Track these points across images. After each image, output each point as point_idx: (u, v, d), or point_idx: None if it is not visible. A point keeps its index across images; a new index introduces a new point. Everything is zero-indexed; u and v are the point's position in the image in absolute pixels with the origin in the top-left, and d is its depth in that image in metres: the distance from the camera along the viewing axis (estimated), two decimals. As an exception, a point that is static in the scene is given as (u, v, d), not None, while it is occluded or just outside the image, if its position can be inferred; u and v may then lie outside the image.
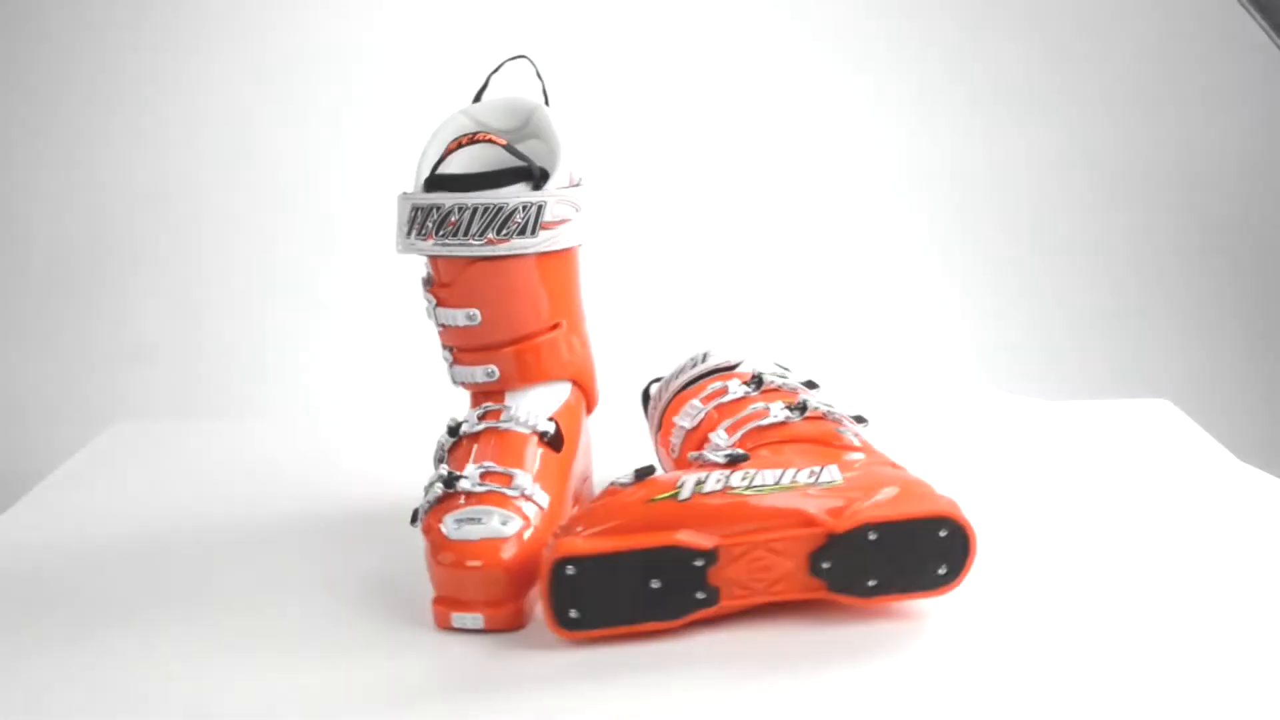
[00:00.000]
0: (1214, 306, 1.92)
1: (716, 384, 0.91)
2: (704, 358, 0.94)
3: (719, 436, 0.85)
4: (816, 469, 0.77)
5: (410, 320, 1.85)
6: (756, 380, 0.89)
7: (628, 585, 0.75)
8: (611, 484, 0.78)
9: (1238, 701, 0.68)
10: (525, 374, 0.88)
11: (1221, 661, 0.72)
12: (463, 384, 0.89)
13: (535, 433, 0.86)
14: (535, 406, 0.88)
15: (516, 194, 0.83)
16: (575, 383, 0.91)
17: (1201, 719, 0.67)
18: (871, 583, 0.75)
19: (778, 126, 1.88)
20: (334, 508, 0.96)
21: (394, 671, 0.74)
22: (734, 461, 0.79)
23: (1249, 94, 1.87)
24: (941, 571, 0.75)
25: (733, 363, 0.93)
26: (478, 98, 0.90)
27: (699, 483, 0.76)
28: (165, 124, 1.86)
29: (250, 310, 1.89)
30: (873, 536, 0.74)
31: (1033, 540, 0.88)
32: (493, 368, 0.87)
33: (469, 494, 0.81)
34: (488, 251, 0.83)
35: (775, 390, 0.88)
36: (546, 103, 0.90)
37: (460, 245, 0.83)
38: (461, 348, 0.88)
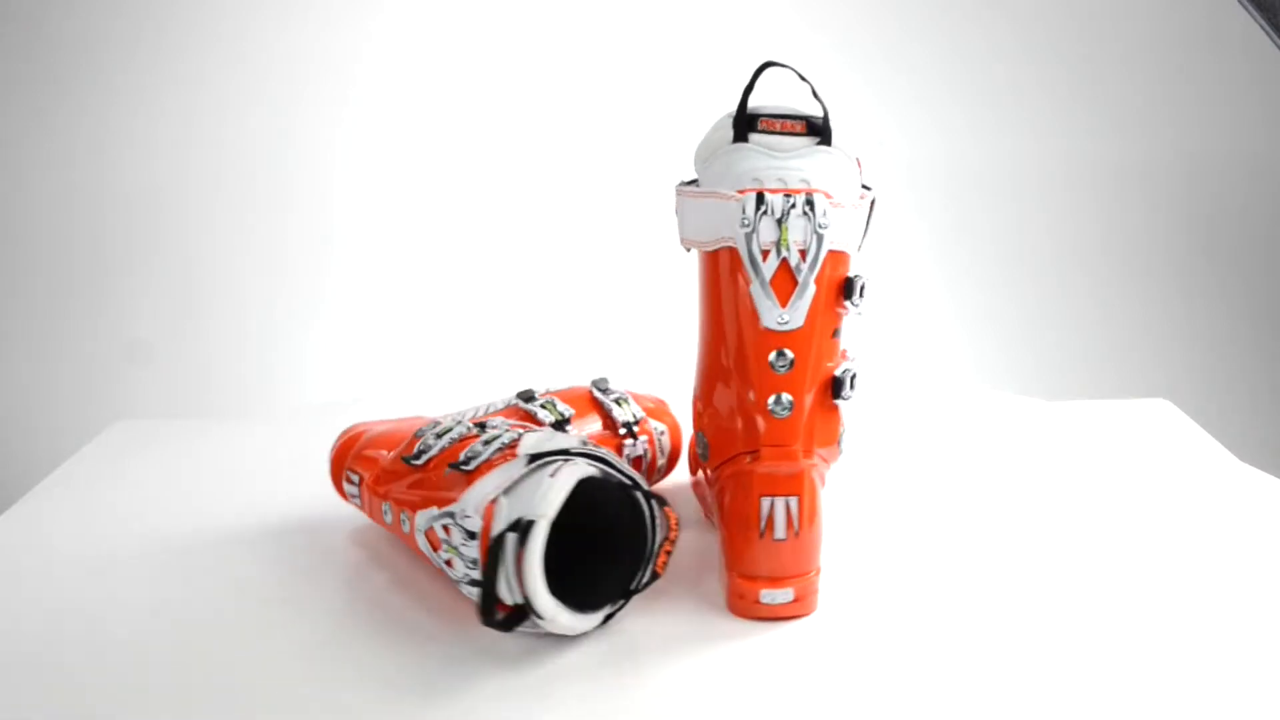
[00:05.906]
0: (1214, 306, 1.92)
1: None
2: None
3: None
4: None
5: (411, 320, 1.86)
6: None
7: None
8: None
9: (1238, 701, 0.68)
10: None
11: (1222, 661, 0.72)
12: None
13: None
14: None
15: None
16: None
17: (1201, 719, 0.67)
18: None
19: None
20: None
21: (396, 670, 0.74)
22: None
23: (1249, 94, 1.87)
24: None
25: None
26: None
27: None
28: (164, 124, 1.86)
29: (250, 310, 1.90)
30: None
31: (1032, 540, 0.88)
32: None
33: None
34: None
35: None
36: (825, 112, 0.90)
37: None
38: None
